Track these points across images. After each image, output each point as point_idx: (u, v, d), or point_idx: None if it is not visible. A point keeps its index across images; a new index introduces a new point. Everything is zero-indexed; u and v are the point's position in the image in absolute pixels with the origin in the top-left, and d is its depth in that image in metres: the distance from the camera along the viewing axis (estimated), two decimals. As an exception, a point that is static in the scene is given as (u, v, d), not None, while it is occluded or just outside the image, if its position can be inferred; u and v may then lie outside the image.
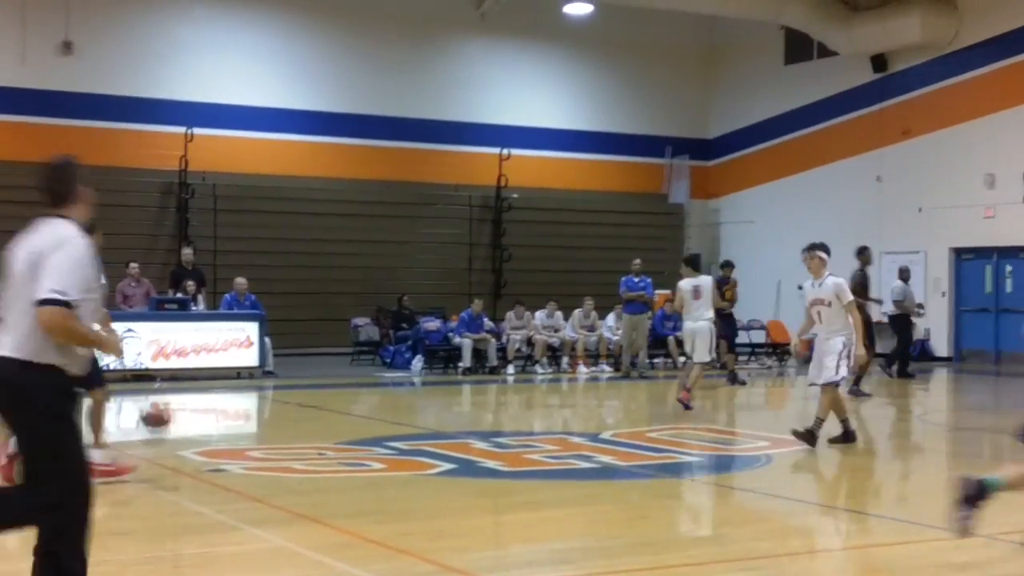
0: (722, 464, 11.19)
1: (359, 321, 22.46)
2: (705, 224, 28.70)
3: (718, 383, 18.65)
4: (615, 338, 21.30)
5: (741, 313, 25.46)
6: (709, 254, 28.76)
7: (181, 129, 22.66)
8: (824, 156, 26.25)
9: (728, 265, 20.33)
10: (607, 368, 20.91)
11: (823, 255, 11.46)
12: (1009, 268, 22.92)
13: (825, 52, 25.84)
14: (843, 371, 11.36)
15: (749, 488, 9.69)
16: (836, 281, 11.36)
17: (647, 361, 21.06)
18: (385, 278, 23.90)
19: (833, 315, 11.26)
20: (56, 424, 4.90)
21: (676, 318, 23.26)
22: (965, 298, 23.73)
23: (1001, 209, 22.61)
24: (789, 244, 26.01)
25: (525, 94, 26.76)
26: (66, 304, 4.80)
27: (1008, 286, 22.94)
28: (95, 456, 8.29)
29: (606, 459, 10.64)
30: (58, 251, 4.86)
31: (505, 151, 25.55)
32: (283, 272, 23.15)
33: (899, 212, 24.36)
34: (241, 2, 24.00)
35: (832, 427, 11.56)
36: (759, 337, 24.15)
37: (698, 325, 14.87)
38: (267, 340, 19.17)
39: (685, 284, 15.10)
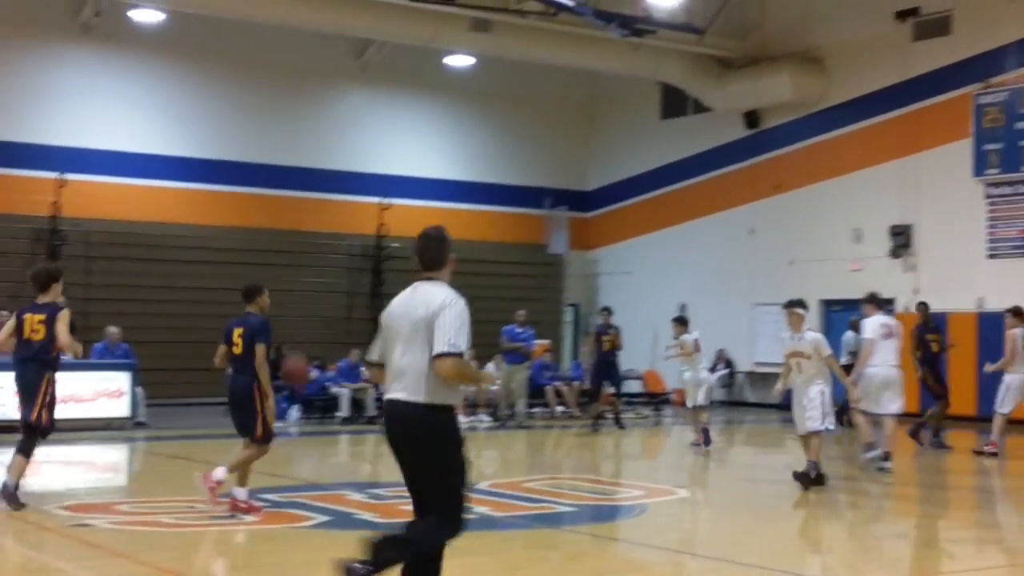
0: (599, 514, 11.25)
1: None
2: (584, 275, 29.02)
3: (590, 433, 18.77)
4: (494, 388, 21.34)
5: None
6: (588, 304, 29.13)
7: (53, 174, 22.18)
8: (699, 209, 26.80)
9: (607, 311, 20.58)
10: (485, 418, 20.91)
11: (800, 311, 12.62)
12: (876, 320, 23.55)
13: (700, 108, 26.45)
14: (829, 422, 12.39)
15: (624, 538, 9.77)
16: (816, 336, 12.56)
17: (525, 411, 21.15)
18: (262, 327, 23.58)
19: (811, 366, 12.30)
20: (455, 462, 5.83)
21: (555, 367, 23.57)
22: (834, 349, 24.23)
23: (868, 263, 23.31)
24: (666, 295, 26.67)
25: (406, 144, 26.83)
26: (460, 355, 5.74)
27: (874, 337, 23.55)
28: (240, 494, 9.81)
29: (483, 510, 10.60)
30: (446, 310, 5.85)
31: (385, 200, 25.55)
32: (158, 320, 22.73)
33: (771, 264, 24.95)
34: (117, 47, 23.61)
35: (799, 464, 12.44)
36: (636, 387, 24.44)
37: (701, 375, 16.49)
38: (139, 390, 18.74)
39: (688, 337, 16.43)
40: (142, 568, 7.78)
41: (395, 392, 5.89)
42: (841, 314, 24.20)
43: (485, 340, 22.17)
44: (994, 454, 15.39)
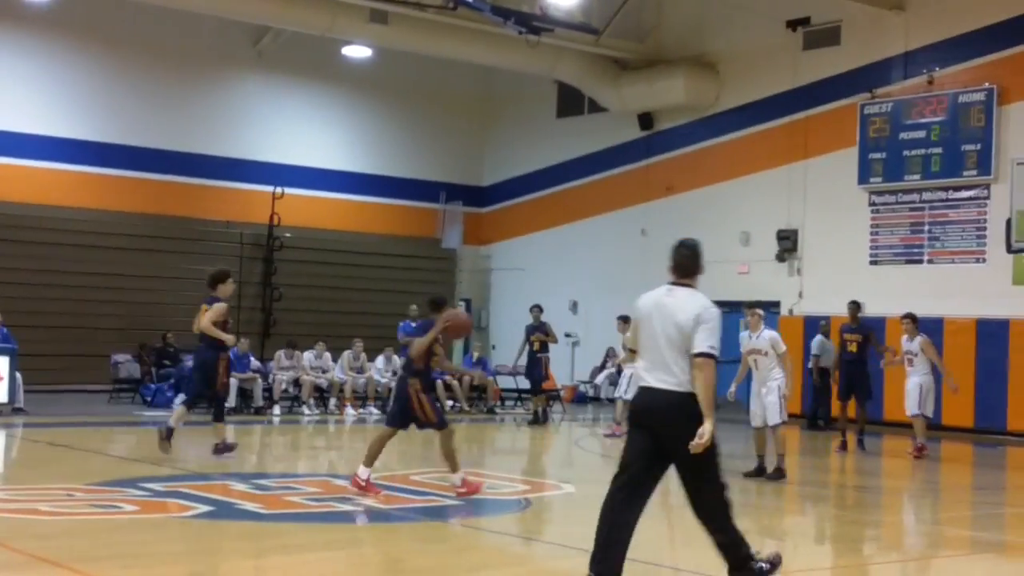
0: (483, 508, 11.31)
1: (119, 357, 21.75)
2: (476, 270, 29.11)
3: (482, 426, 18.85)
4: (384, 380, 21.34)
5: (507, 358, 25.93)
6: (480, 300, 29.23)
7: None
8: (593, 208, 27.05)
9: (538, 308, 20.74)
10: (375, 411, 20.87)
11: (761, 312, 13.66)
12: (761, 322, 24.04)
13: (596, 108, 26.70)
14: (784, 414, 13.15)
15: (507, 532, 9.85)
16: (772, 334, 13.34)
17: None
18: (149, 314, 23.27)
19: (767, 363, 13.10)
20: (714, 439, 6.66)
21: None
22: (723, 350, 24.67)
23: (755, 266, 23.78)
24: (557, 292, 26.87)
25: (301, 133, 26.62)
26: (716, 357, 6.63)
27: (760, 339, 24.04)
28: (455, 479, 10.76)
29: (368, 502, 10.63)
30: (705, 316, 6.71)
31: (279, 189, 25.32)
32: (40, 304, 22.24)
33: (661, 265, 24.90)
34: (5, 25, 23.04)
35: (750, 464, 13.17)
36: (525, 382, 24.54)
37: None
38: (18, 375, 18.31)
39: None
40: (16, 555, 7.64)
41: (652, 381, 6.77)
42: (729, 316, 24.65)
43: (377, 332, 22.30)
44: (920, 455, 15.73)
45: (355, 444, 17.68)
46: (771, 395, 13.11)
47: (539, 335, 20.48)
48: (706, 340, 6.65)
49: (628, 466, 6.87)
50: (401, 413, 11.08)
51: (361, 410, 21.01)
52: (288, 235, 25.42)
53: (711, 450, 6.63)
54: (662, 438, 6.75)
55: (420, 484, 11.97)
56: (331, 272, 25.82)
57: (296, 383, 20.88)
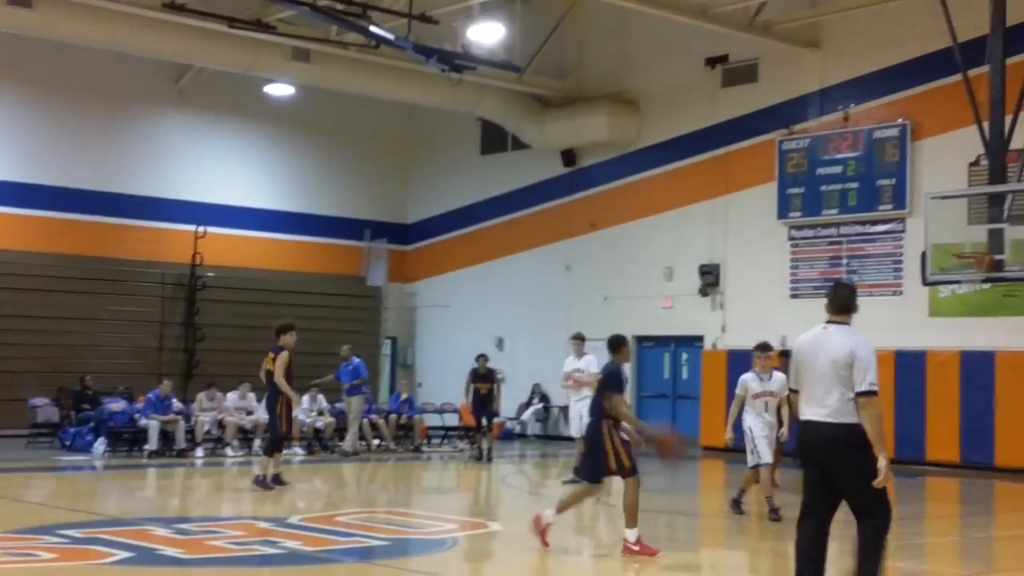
0: (408, 548, 11.25)
1: (37, 401, 21.35)
2: (402, 308, 29.05)
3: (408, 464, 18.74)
4: (308, 420, 21.20)
5: (434, 396, 25.91)
6: (406, 338, 29.16)
7: None
8: (517, 244, 27.16)
9: (483, 357, 20.73)
10: (299, 451, 20.67)
11: (771, 353, 13.10)
12: (685, 356, 24.29)
13: (519, 145, 26.86)
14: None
15: (432, 571, 9.79)
16: (782, 376, 12.70)
17: (361, 442, 21.21)
18: (68, 356, 22.87)
19: (775, 404, 12.91)
20: (873, 465, 6.92)
21: (372, 400, 23.46)
22: (645, 384, 24.94)
23: (678, 300, 24.00)
24: (483, 328, 26.89)
25: (224, 172, 26.43)
26: (877, 393, 7.02)
27: (684, 373, 24.28)
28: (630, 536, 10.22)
29: (292, 544, 10.51)
30: (864, 351, 7.11)
31: (201, 228, 25.09)
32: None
33: (586, 300, 25.43)
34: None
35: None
36: (452, 420, 24.52)
37: None
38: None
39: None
40: (-72, 609, 7.44)
41: (814, 415, 7.15)
42: (653, 350, 24.87)
43: (302, 372, 21.88)
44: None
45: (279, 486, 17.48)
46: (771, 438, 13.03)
47: (486, 384, 20.40)
48: (866, 378, 7.03)
49: (812, 505, 7.24)
50: (595, 464, 10.43)
51: (286, 451, 20.76)
52: (211, 274, 25.18)
53: (865, 482, 6.95)
54: (825, 467, 7.15)
55: (345, 525, 11.86)
56: (255, 311, 25.52)
57: (219, 424, 20.63)
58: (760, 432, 12.93)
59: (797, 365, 7.37)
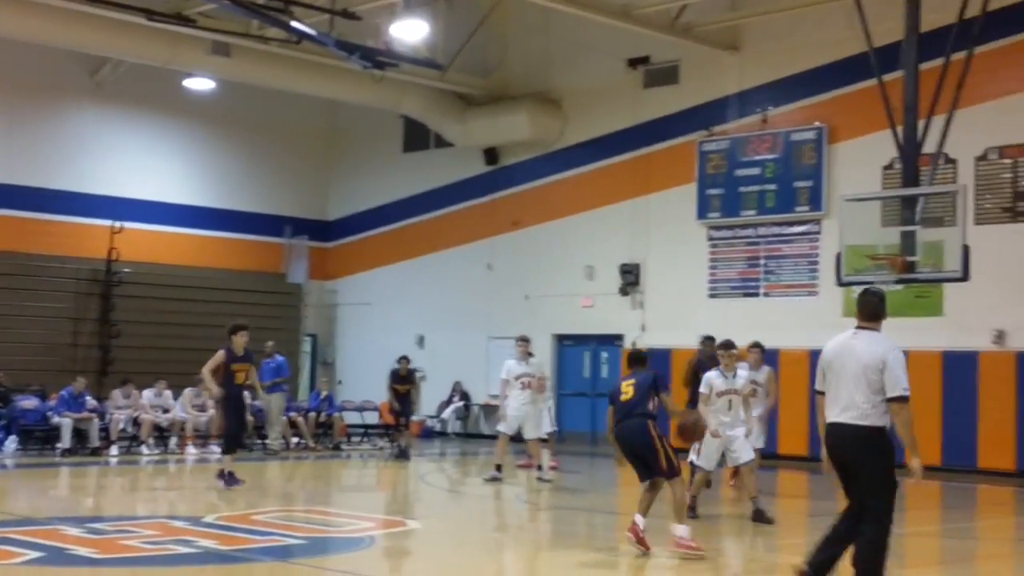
0: (326, 546, 11.19)
1: (-53, 399, 20.86)
2: (322, 305, 28.87)
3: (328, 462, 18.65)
4: (189, 416, 20.96)
5: (354, 394, 25.80)
6: (326, 336, 28.99)
7: None
8: (439, 242, 27.13)
9: (405, 359, 20.67)
10: (217, 449, 20.44)
11: (735, 352, 12.99)
12: (605, 355, 24.44)
13: (442, 142, 26.83)
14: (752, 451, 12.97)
15: (348, 570, 9.75)
16: (745, 373, 13.22)
17: (281, 440, 21.03)
18: (-21, 353, 22.40)
19: (740, 404, 12.77)
20: (889, 469, 7.40)
21: (291, 398, 23.26)
22: (566, 382, 25.05)
23: (599, 299, 24.14)
24: (404, 326, 26.83)
25: (141, 166, 26.04)
26: (908, 398, 7.36)
27: (604, 372, 24.43)
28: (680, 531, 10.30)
29: (207, 543, 10.41)
30: (895, 356, 7.43)
31: (117, 223, 24.70)
32: None
33: (507, 299, 25.49)
34: None
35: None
36: (372, 419, 24.44)
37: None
38: None
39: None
40: None
41: (842, 417, 7.48)
42: (574, 349, 25.00)
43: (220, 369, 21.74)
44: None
45: (196, 484, 17.31)
46: (739, 435, 12.79)
47: (405, 385, 20.37)
48: (899, 383, 7.39)
49: (846, 495, 7.67)
50: (649, 463, 10.47)
51: (203, 449, 20.58)
52: (127, 270, 24.80)
53: (886, 489, 7.43)
54: (848, 466, 7.53)
55: (263, 524, 11.76)
56: (173, 308, 25.25)
57: (135, 422, 20.35)
58: (708, 438, 12.53)
59: (825, 369, 7.68)
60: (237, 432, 15.53)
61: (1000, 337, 19.17)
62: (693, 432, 11.03)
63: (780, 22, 21.65)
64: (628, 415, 10.59)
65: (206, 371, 15.04)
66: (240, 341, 15.17)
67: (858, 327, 7.72)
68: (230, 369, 14.98)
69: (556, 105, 25.17)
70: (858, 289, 19.72)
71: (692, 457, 12.97)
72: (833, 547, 7.63)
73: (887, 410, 7.45)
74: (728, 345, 13.10)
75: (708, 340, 15.22)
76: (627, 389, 10.70)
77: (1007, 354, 18.97)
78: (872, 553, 7.46)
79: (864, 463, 7.46)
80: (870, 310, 7.75)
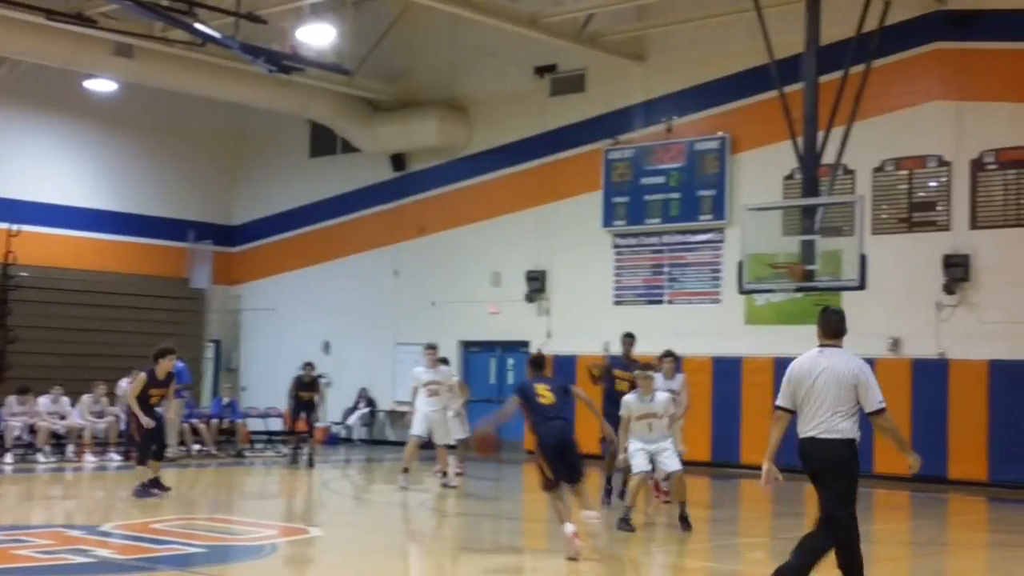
0: (226, 554, 11.07)
1: None
2: (226, 310, 28.53)
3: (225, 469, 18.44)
4: (87, 422, 20.59)
5: (258, 400, 25.55)
6: (230, 341, 28.65)
7: None
8: (346, 248, 26.97)
9: (310, 365, 20.46)
10: (117, 457, 20.11)
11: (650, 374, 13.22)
12: (511, 361, 24.50)
13: (349, 148, 26.69)
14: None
15: (250, 578, 9.67)
16: (685, 376, 14.37)
17: (180, 447, 20.73)
18: None
19: (663, 426, 12.89)
20: (857, 476, 7.85)
21: (193, 404, 22.96)
22: (472, 389, 24.96)
23: (505, 306, 24.20)
24: (309, 332, 26.63)
25: (40, 168, 25.48)
26: (886, 408, 7.87)
27: (510, 378, 24.47)
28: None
29: (104, 553, 10.23)
30: (866, 375, 7.80)
31: (15, 227, 24.09)
32: None
33: (414, 305, 25.44)
34: None
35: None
36: (276, 425, 24.21)
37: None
38: None
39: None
40: None
41: (817, 431, 7.77)
42: (480, 355, 25.03)
43: (123, 376, 21.36)
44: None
45: (93, 492, 17.00)
46: (672, 443, 13.16)
47: (309, 392, 20.18)
48: (875, 397, 7.79)
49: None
50: (575, 465, 10.77)
51: (102, 456, 20.21)
52: (24, 274, 24.20)
53: (851, 498, 7.79)
54: (819, 477, 7.82)
55: (162, 532, 11.59)
56: (72, 313, 24.77)
57: (31, 429, 19.91)
58: (636, 446, 12.66)
59: (795, 387, 7.90)
60: (149, 446, 15.06)
61: (896, 345, 19.61)
62: (480, 445, 11.29)
63: (685, 33, 21.94)
64: (554, 417, 10.72)
65: (132, 400, 14.84)
66: (166, 366, 14.97)
67: (822, 345, 7.99)
68: (147, 392, 14.81)
69: (463, 112, 25.20)
70: (760, 298, 20.32)
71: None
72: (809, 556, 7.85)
73: (858, 423, 7.80)
74: (645, 368, 13.34)
75: (628, 337, 15.31)
76: (545, 393, 10.81)
77: (903, 361, 19.41)
78: (823, 547, 7.78)
79: (835, 474, 7.76)
80: (833, 328, 8.03)
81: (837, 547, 7.79)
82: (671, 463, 12.76)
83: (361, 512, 15.50)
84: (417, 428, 16.85)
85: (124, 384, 20.72)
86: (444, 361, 18.00)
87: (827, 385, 7.77)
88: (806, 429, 7.82)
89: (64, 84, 24.48)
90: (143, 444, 15.09)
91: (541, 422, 10.71)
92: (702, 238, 21.95)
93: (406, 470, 16.60)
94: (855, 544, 7.80)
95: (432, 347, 17.48)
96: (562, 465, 10.59)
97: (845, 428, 7.74)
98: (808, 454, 7.82)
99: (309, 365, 20.44)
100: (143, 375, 14.92)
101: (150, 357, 15.01)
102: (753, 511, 16.70)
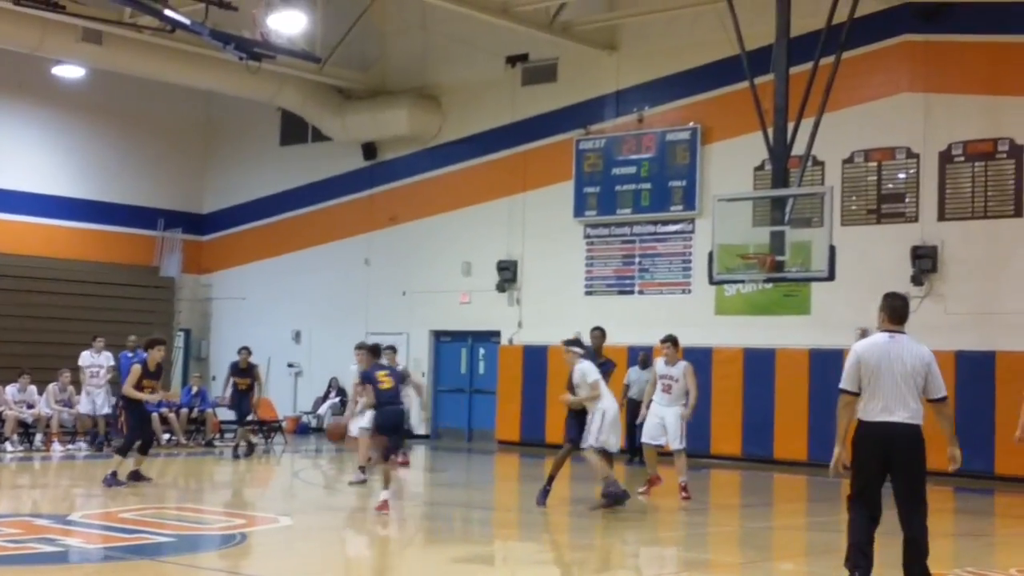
0: (196, 543, 11.03)
1: None
2: (196, 299, 28.41)
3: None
4: (106, 412, 20.43)
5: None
6: (200, 330, 28.53)
7: None
8: (316, 237, 26.89)
9: (246, 351, 20.21)
10: (84, 445, 19.99)
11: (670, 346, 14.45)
12: (482, 351, 24.51)
13: (320, 136, 26.60)
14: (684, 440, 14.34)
15: (218, 568, 9.64)
16: (687, 364, 14.42)
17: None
18: None
19: (678, 391, 14.25)
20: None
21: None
22: (442, 378, 25.07)
23: (476, 296, 24.20)
24: (280, 321, 26.56)
25: (6, 154, 25.29)
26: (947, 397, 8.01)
27: (481, 368, 24.51)
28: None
29: (72, 542, 10.18)
30: (934, 360, 7.96)
31: (-19, 214, 23.97)
32: None
33: (385, 295, 25.39)
34: None
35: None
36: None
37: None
38: None
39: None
40: None
41: (895, 417, 7.85)
42: (451, 345, 25.02)
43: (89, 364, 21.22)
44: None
45: (61, 482, 16.90)
46: (676, 420, 14.32)
47: (245, 379, 19.98)
48: (941, 384, 7.96)
49: (864, 490, 7.95)
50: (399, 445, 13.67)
51: (70, 446, 20.08)
52: (-9, 262, 24.07)
53: (924, 475, 7.97)
54: (893, 463, 7.89)
55: (130, 522, 11.53)
56: (39, 301, 24.59)
57: (-1, 418, 19.77)
58: (655, 415, 14.26)
59: (863, 371, 7.92)
60: (135, 439, 15.06)
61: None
62: (333, 435, 14.37)
63: (656, 23, 21.97)
64: (392, 402, 12.53)
65: (129, 390, 14.79)
66: (156, 356, 14.98)
67: (891, 331, 8.03)
68: (141, 383, 14.81)
69: (435, 101, 25.15)
70: (730, 288, 20.40)
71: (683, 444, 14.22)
72: (872, 547, 7.98)
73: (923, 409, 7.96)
74: (673, 339, 14.50)
75: (596, 331, 15.19)
76: (385, 379, 12.51)
77: (871, 351, 19.51)
78: (926, 535, 7.93)
79: (914, 459, 7.90)
80: (900, 313, 8.09)
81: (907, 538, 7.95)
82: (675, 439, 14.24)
83: (331, 501, 15.46)
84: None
85: (86, 356, 20.60)
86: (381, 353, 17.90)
87: (905, 370, 7.85)
88: (878, 413, 7.86)
89: (32, 70, 24.29)
90: (129, 436, 15.07)
91: (381, 404, 12.48)
92: (673, 228, 22.01)
93: (363, 468, 16.35)
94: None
95: (390, 348, 16.97)
96: (392, 443, 12.74)
97: (921, 414, 7.90)
98: (888, 438, 7.85)
99: (245, 350, 20.29)
100: (137, 366, 14.90)
101: (141, 346, 15.26)
102: (723, 499, 16.77)
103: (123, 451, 14.89)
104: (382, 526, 12.13)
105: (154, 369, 14.96)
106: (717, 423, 20.61)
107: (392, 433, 12.54)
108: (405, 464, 17.80)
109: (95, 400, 20.37)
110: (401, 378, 12.92)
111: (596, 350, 14.91)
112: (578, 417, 13.14)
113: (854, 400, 7.96)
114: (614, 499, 12.90)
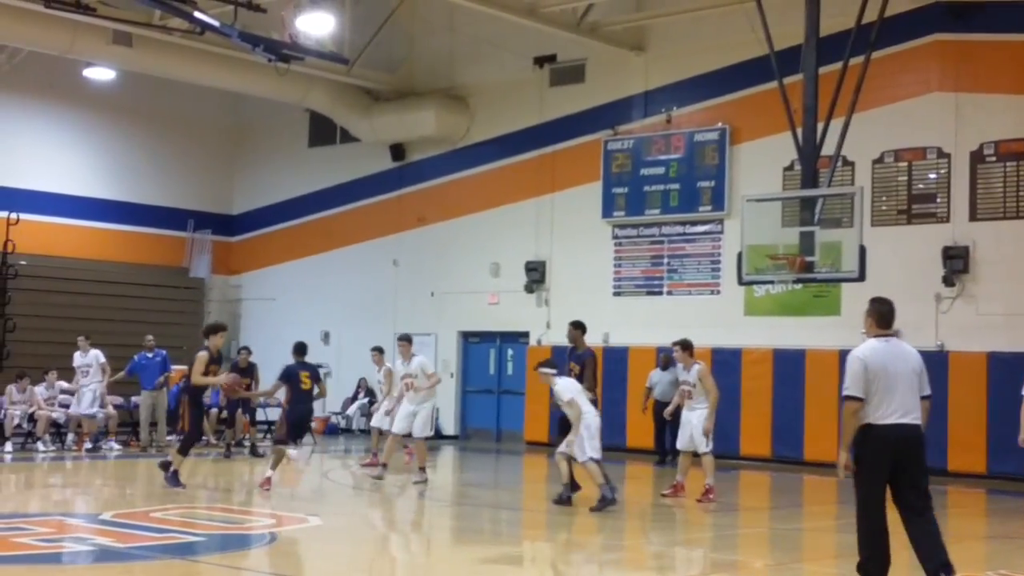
0: (227, 543, 11.08)
1: None
2: (226, 300, 28.54)
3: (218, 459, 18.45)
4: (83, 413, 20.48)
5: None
6: (230, 331, 28.48)
7: None
8: (345, 238, 26.97)
9: (246, 351, 20.44)
10: (116, 445, 20.11)
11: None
12: (511, 352, 24.52)
13: (348, 138, 26.68)
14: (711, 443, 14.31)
15: (250, 567, 9.68)
16: (700, 367, 14.29)
17: (167, 437, 20.67)
18: None
19: (698, 395, 14.22)
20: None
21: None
22: (471, 379, 25.09)
23: (504, 296, 24.21)
24: (309, 322, 26.62)
25: (39, 157, 25.50)
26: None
27: (509, 369, 24.52)
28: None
29: (104, 541, 10.24)
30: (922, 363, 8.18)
31: (13, 215, 24.13)
32: None
33: (413, 295, 25.44)
34: None
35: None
36: (275, 415, 24.16)
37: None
38: None
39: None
40: None
41: (907, 419, 7.94)
42: (479, 346, 25.04)
43: (122, 365, 21.34)
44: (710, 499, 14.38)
45: (92, 481, 17.01)
46: (699, 425, 14.22)
47: (245, 379, 20.00)
48: (928, 383, 8.15)
49: (874, 493, 8.00)
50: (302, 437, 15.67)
51: (105, 446, 20.21)
52: (24, 263, 24.25)
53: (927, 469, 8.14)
54: (907, 463, 7.97)
55: (161, 521, 11.60)
56: (72, 302, 24.76)
57: (31, 418, 19.91)
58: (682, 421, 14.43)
59: (872, 376, 7.96)
60: (196, 438, 15.32)
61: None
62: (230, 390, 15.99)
63: (684, 24, 21.91)
64: (307, 401, 14.47)
65: (198, 376, 14.59)
66: (217, 342, 14.88)
67: (883, 335, 8.20)
68: (208, 371, 14.63)
69: (462, 102, 25.18)
70: (759, 289, 20.32)
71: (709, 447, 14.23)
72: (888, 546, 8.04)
73: None
74: (686, 344, 14.41)
75: (571, 325, 14.94)
76: (305, 380, 14.25)
77: (901, 352, 19.39)
78: (939, 534, 8.02)
79: (923, 456, 8.04)
80: (888, 319, 8.27)
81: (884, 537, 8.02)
82: (700, 443, 14.16)
83: (360, 501, 15.50)
84: (399, 427, 16.36)
85: (76, 357, 20.61)
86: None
87: (907, 372, 8.02)
88: (887, 416, 7.92)
89: (63, 72, 24.49)
90: (190, 434, 15.13)
91: (297, 402, 14.38)
92: (701, 229, 21.96)
93: (384, 466, 16.33)
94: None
95: (405, 339, 16.97)
96: (295, 434, 14.72)
97: (920, 415, 8.04)
98: (903, 439, 7.93)
99: (245, 349, 20.42)
100: (204, 353, 14.61)
101: (201, 334, 15.72)
102: (752, 501, 16.71)
103: (184, 450, 14.72)
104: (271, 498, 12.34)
105: (216, 355, 14.86)
106: (746, 424, 20.55)
107: (296, 427, 14.70)
108: (410, 455, 17.78)
109: (81, 399, 20.32)
110: (317, 378, 14.69)
111: (572, 342, 14.77)
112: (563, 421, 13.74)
113: (860, 406, 7.98)
114: (606, 503, 13.05)
